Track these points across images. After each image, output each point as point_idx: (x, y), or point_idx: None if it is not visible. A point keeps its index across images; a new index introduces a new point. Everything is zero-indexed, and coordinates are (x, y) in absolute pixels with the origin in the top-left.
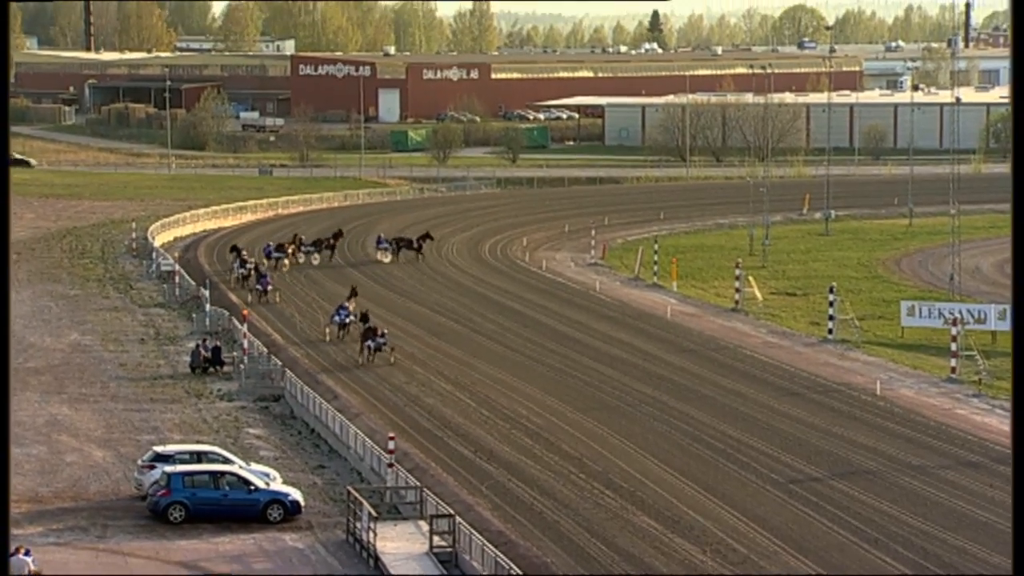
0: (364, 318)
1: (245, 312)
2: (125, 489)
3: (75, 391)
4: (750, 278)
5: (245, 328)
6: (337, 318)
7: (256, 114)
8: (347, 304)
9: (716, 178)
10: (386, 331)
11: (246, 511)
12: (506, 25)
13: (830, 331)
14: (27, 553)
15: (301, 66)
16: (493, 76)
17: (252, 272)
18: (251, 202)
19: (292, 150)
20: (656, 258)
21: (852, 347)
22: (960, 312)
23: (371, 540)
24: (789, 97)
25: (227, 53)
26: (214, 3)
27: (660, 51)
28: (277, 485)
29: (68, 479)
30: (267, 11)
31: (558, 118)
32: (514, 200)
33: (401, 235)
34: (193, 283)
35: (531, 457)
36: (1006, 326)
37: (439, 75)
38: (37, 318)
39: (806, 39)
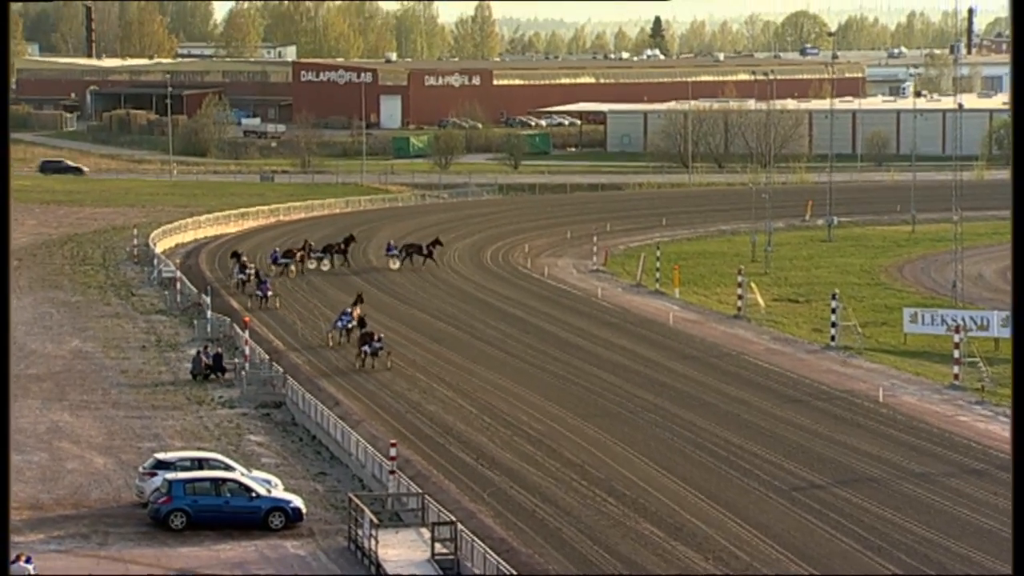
0: (361, 323)
1: (246, 319)
2: (126, 496)
3: (76, 398)
4: (752, 285)
5: (246, 335)
6: (340, 324)
7: (258, 120)
8: (349, 310)
9: (718, 184)
10: (383, 335)
11: (247, 518)
12: (508, 31)
13: (832, 338)
14: (28, 560)
15: (303, 72)
16: (495, 82)
17: (251, 278)
18: (252, 209)
19: (294, 156)
20: (658, 264)
21: (855, 354)
22: (963, 319)
23: (373, 547)
24: (791, 103)
25: (229, 59)
26: (216, 9)
27: (662, 57)
28: (278, 492)
29: (69, 486)
30: (269, 17)
31: (560, 124)
32: (516, 206)
33: (411, 241)
34: (194, 290)
35: (533, 464)
36: (1009, 333)
37: (441, 81)
38: (38, 325)
39: (808, 45)
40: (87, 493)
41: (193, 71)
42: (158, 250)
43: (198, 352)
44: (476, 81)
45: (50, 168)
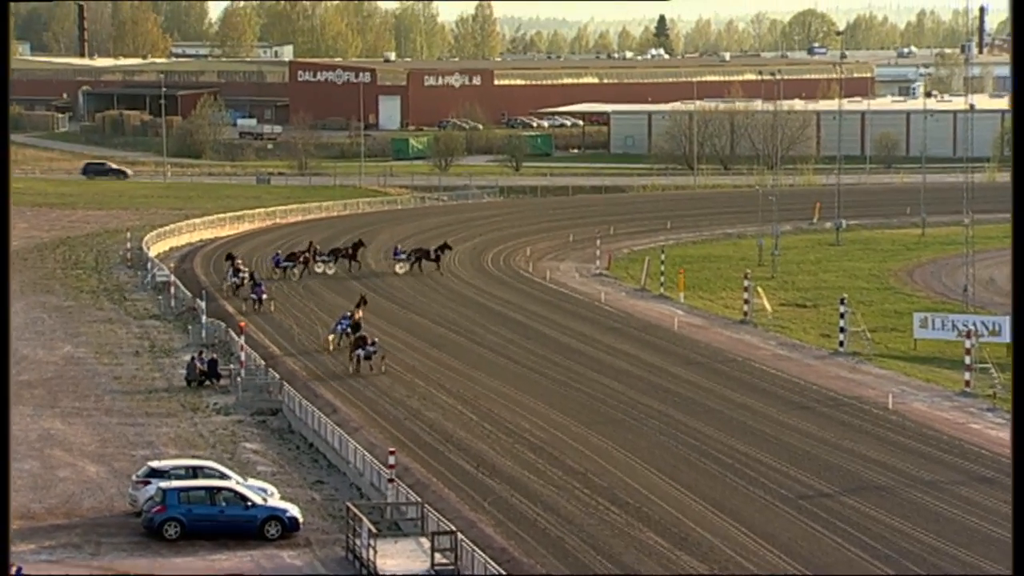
0: (355, 327)
1: (242, 324)
2: (119, 505)
3: (68, 405)
4: (759, 289)
5: (242, 340)
6: (339, 328)
7: (254, 121)
8: (348, 314)
9: (724, 187)
10: (377, 340)
11: (243, 528)
12: (509, 30)
13: (841, 343)
14: (19, 571)
15: (300, 72)
16: (496, 82)
17: (245, 281)
18: (249, 211)
19: (290, 158)
20: (663, 268)
21: (863, 360)
22: (974, 324)
23: (371, 557)
24: (799, 104)
25: (224, 59)
26: (211, 8)
27: (667, 57)
28: (275, 501)
29: (61, 495)
30: (265, 16)
31: (562, 125)
32: (517, 209)
33: (418, 246)
34: (189, 294)
35: (534, 472)
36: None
37: (441, 81)
38: (30, 330)
39: (816, 45)
40: (79, 502)
41: (188, 71)
42: (152, 254)
43: (193, 358)
44: (477, 81)
45: (93, 171)
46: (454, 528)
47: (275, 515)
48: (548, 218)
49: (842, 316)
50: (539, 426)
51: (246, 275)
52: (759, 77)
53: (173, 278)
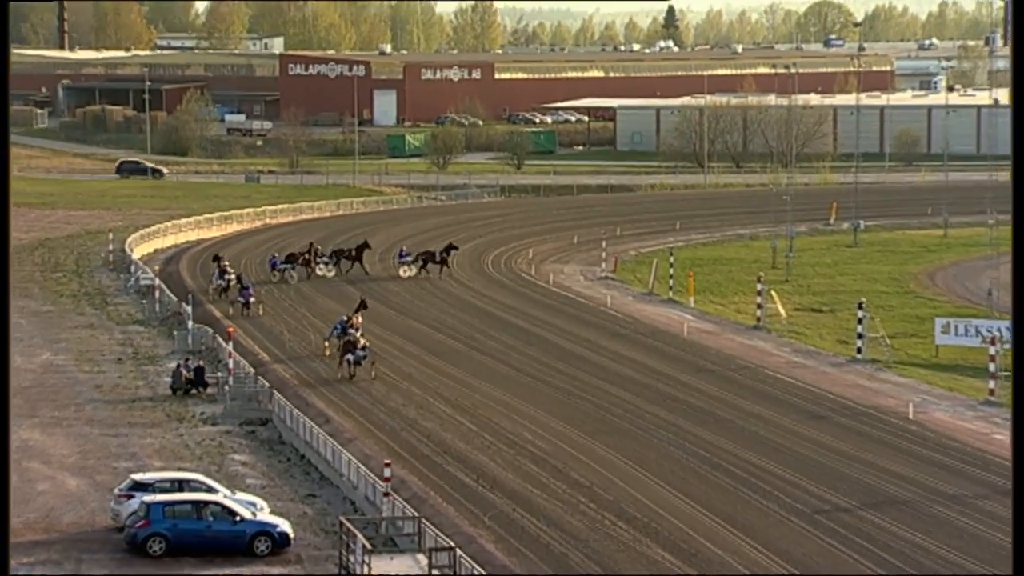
0: (344, 331)
1: (230, 329)
2: (101, 520)
3: (47, 414)
4: (773, 293)
5: (230, 346)
6: (336, 332)
7: (242, 117)
8: (344, 318)
9: (736, 186)
10: (367, 344)
11: (231, 543)
12: (510, 22)
13: (859, 350)
14: None
15: (291, 65)
16: (497, 76)
17: (231, 283)
18: (237, 211)
19: (281, 156)
20: (672, 272)
21: (882, 367)
22: (998, 330)
23: (365, 574)
24: (815, 99)
25: (211, 52)
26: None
27: (676, 49)
28: (264, 515)
29: (40, 509)
30: (254, 7)
31: (566, 121)
32: (519, 209)
33: (426, 248)
34: (174, 298)
35: (537, 485)
36: None
37: (439, 75)
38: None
39: (833, 36)
40: (59, 517)
41: (173, 64)
42: (135, 256)
43: (178, 365)
44: (476, 75)
45: (127, 169)
46: (453, 544)
47: (265, 530)
48: (551, 219)
49: (860, 321)
50: (542, 437)
51: (232, 277)
52: (773, 70)
53: (158, 282)
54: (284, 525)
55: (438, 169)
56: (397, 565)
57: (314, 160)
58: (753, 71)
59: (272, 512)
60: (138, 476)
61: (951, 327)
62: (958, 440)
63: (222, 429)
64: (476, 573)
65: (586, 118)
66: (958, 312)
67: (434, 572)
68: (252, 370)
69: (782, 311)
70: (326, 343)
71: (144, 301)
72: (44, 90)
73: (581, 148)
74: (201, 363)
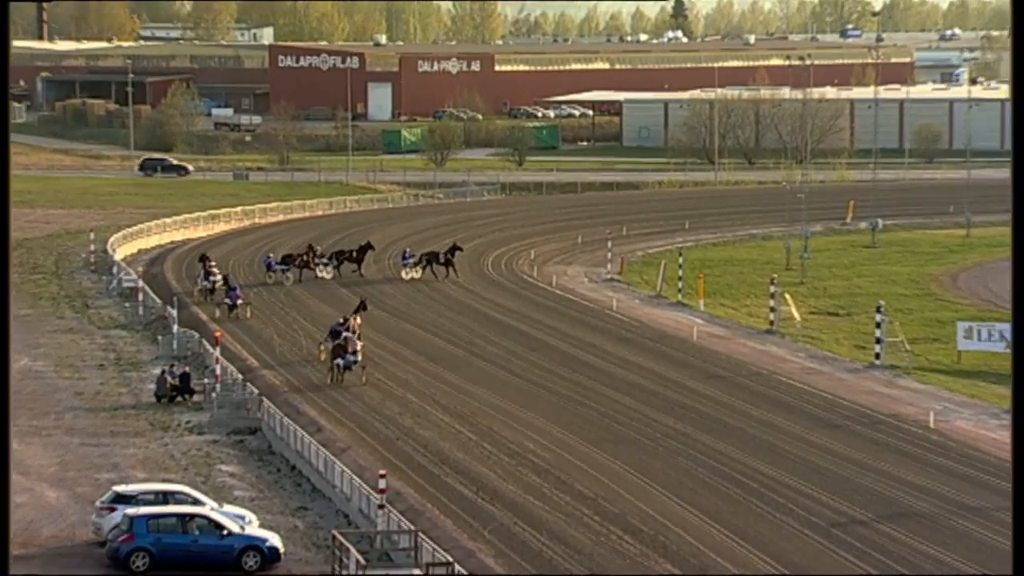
0: (334, 334)
1: (217, 334)
2: (82, 534)
3: (25, 423)
4: (787, 296)
5: (217, 352)
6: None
7: (230, 111)
8: (341, 320)
9: (748, 183)
10: (358, 348)
11: (218, 558)
12: (511, 11)
13: (877, 356)
14: None
15: (281, 57)
16: (497, 68)
17: (217, 285)
18: (224, 210)
19: (271, 152)
20: (680, 273)
21: (902, 374)
22: None
23: None
24: (831, 92)
25: (197, 43)
26: None
27: (685, 40)
28: (253, 529)
29: (18, 522)
30: None
31: (570, 116)
32: (520, 208)
33: (424, 249)
34: (159, 301)
35: (539, 497)
36: None
37: (436, 67)
38: None
39: (850, 26)
40: (38, 530)
41: (158, 56)
42: (118, 257)
43: (163, 371)
44: (476, 67)
45: (151, 166)
46: (451, 559)
47: (254, 545)
48: (554, 218)
49: (878, 325)
50: (544, 446)
51: (219, 278)
52: (787, 62)
53: (141, 284)
54: (274, 539)
55: (435, 166)
56: None
57: (305, 156)
58: (766, 63)
59: (261, 526)
60: (121, 488)
61: (974, 331)
62: (981, 450)
63: (209, 438)
64: None
65: (591, 112)
66: (981, 316)
67: None
68: (240, 376)
69: (796, 315)
70: (321, 347)
71: (127, 304)
72: (22, 83)
73: (585, 144)
74: (187, 369)
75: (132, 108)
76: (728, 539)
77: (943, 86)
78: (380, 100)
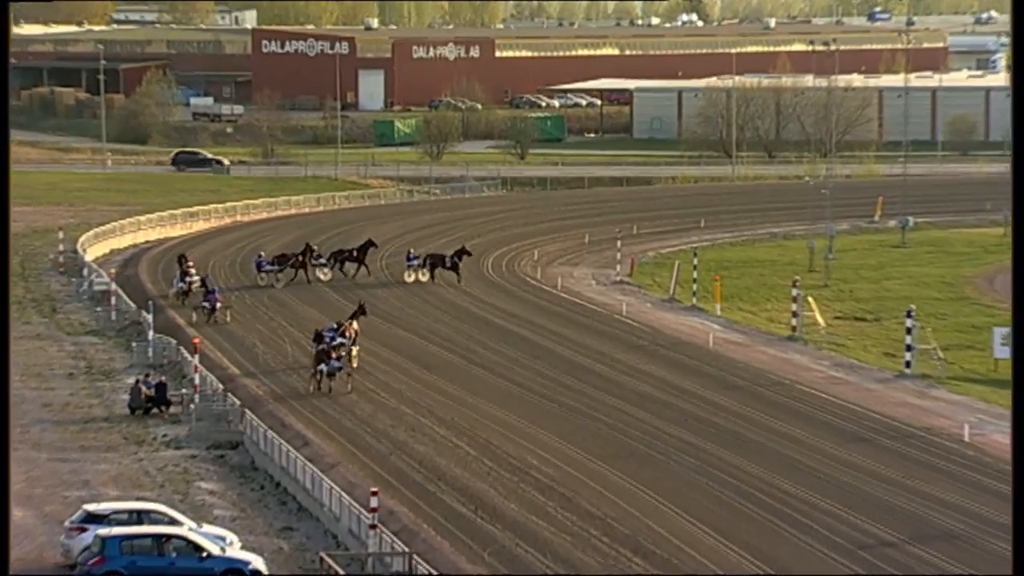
0: (318, 338)
1: (196, 340)
2: (50, 556)
3: None
4: (810, 300)
5: (196, 360)
6: (327, 339)
7: (210, 100)
8: (334, 325)
9: (768, 178)
10: (343, 353)
11: None
12: None
13: (907, 364)
14: None
15: (265, 42)
16: (498, 54)
17: (194, 286)
18: (204, 207)
19: (254, 144)
20: (695, 275)
21: (934, 383)
22: None
23: None
24: (858, 80)
25: (175, 27)
26: None
27: (700, 24)
28: (235, 551)
29: None
30: None
31: (576, 105)
32: (523, 205)
33: (433, 251)
34: (133, 306)
35: (543, 516)
36: None
37: (432, 53)
38: None
39: (878, 9)
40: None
41: (132, 40)
42: (89, 258)
43: (137, 381)
44: (475, 53)
45: (184, 161)
46: None
47: (235, 567)
48: (559, 215)
49: (909, 331)
50: (549, 462)
51: (196, 280)
52: (810, 48)
53: (114, 286)
54: (257, 562)
55: (431, 159)
56: None
57: (291, 149)
58: (788, 48)
59: (243, 547)
60: (92, 507)
61: (1011, 338)
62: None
63: (187, 453)
64: None
65: (599, 102)
66: None
67: None
68: (221, 386)
69: (820, 320)
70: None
71: (99, 309)
72: None
73: (593, 135)
74: (163, 378)
75: (104, 97)
76: (747, 561)
77: (979, 73)
78: (371, 88)
